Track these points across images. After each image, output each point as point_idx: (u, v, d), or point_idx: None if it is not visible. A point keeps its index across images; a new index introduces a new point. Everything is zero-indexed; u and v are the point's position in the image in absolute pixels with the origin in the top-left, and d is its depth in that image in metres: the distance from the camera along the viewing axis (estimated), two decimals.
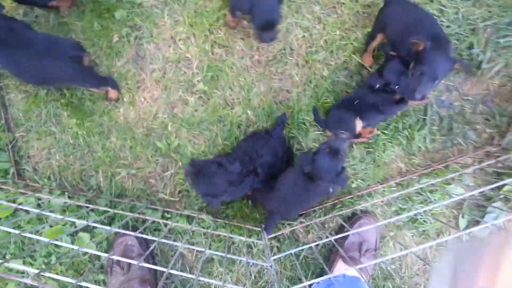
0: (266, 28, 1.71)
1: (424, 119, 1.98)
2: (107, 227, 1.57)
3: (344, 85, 1.99)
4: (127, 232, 1.57)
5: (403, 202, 1.97)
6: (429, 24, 1.62)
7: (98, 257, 1.97)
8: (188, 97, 1.99)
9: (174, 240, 1.95)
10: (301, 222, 1.93)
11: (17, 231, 1.26)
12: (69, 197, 1.93)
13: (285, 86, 2.00)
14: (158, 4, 1.98)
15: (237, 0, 1.74)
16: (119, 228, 1.94)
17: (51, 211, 1.97)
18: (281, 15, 1.76)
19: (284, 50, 1.99)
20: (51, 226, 1.96)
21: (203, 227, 1.90)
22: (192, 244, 1.94)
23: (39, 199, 1.92)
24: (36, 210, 1.66)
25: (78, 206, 1.87)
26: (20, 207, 1.78)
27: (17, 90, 2.02)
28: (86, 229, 1.96)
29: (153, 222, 1.92)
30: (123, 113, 2.01)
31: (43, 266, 1.95)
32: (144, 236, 1.55)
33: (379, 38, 1.81)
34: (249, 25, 1.97)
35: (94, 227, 1.95)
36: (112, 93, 1.97)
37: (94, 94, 2.01)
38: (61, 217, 1.54)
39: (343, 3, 1.98)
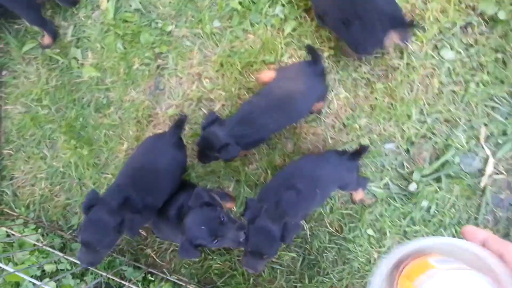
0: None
1: (476, 218, 1.64)
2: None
3: (387, 158, 1.68)
4: None
5: None
6: None
7: None
8: None
9: None
10: None
11: None
12: (42, 235, 1.64)
13: (315, 149, 1.71)
14: (190, 36, 1.77)
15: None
16: (92, 281, 1.64)
17: (20, 245, 1.70)
18: None
19: (322, 108, 1.72)
20: (16, 264, 1.67)
21: None
22: None
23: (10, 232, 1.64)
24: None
25: (49, 250, 1.57)
26: None
27: (18, 102, 1.82)
28: (54, 274, 1.66)
29: (131, 281, 1.60)
30: (126, 148, 1.76)
31: None
32: None
33: None
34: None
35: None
36: (46, 39, 1.80)
37: (98, 120, 1.78)
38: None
39: (397, 68, 1.71)
